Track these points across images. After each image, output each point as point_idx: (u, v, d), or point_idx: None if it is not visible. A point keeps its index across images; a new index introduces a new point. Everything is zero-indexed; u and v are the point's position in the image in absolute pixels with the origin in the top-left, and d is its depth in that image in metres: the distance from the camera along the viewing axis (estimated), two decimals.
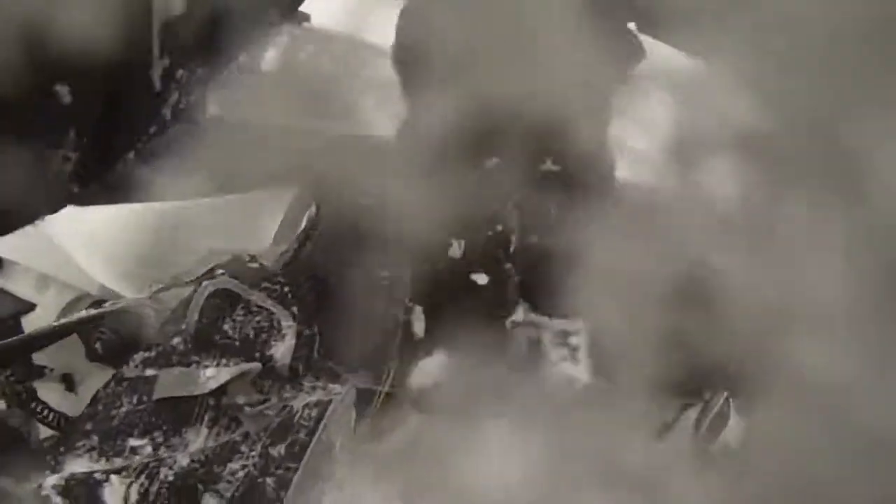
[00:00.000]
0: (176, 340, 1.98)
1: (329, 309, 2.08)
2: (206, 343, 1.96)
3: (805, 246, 1.46)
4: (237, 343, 1.96)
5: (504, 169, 1.84)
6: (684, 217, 1.64)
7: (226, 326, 1.97)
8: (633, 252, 1.61)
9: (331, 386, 1.95)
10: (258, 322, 1.98)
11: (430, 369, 1.98)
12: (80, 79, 1.43)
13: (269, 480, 1.74)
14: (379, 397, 1.98)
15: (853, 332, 1.41)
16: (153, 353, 1.97)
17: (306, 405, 1.86)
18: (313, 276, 2.12)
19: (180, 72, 1.57)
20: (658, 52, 1.87)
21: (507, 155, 1.82)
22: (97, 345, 2.07)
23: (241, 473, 1.75)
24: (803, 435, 1.40)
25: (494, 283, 1.95)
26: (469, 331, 1.82)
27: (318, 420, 1.85)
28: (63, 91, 1.43)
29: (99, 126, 1.53)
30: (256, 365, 1.90)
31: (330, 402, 1.89)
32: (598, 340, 1.77)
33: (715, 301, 1.51)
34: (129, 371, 1.96)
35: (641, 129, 1.82)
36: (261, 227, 2.29)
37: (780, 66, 1.50)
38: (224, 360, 1.94)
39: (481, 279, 1.96)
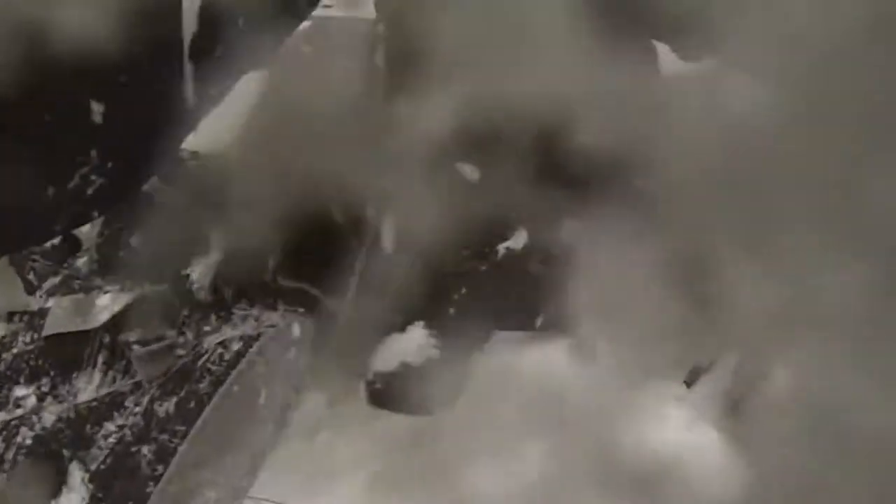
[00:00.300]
0: (81, 261, 1.53)
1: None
2: (108, 261, 1.49)
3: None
4: (146, 262, 1.47)
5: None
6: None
7: (133, 239, 1.48)
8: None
9: (266, 314, 1.43)
10: (175, 231, 1.50)
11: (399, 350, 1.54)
12: (115, 97, 1.40)
13: (145, 450, 1.25)
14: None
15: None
16: (58, 279, 1.53)
17: (221, 343, 1.36)
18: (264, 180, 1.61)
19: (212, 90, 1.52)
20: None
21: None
22: (30, 275, 1.64)
23: (112, 439, 1.28)
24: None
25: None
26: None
27: (233, 364, 1.34)
28: (97, 109, 1.40)
29: (129, 148, 1.46)
30: (157, 288, 1.41)
31: (257, 337, 1.37)
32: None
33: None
34: (33, 302, 1.54)
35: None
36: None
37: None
38: (129, 283, 1.46)
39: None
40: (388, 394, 1.50)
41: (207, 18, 1.46)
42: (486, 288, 1.54)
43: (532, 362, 1.61)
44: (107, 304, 1.44)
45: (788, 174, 1.41)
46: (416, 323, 1.53)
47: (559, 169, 1.58)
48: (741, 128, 1.45)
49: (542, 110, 1.54)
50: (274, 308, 1.49)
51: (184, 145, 1.65)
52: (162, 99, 1.48)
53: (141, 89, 1.44)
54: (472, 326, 1.55)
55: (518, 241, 1.56)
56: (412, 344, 1.51)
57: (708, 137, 1.48)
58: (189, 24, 1.45)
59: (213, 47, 1.48)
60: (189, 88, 1.50)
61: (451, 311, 1.54)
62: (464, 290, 1.53)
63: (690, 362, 1.52)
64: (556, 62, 1.52)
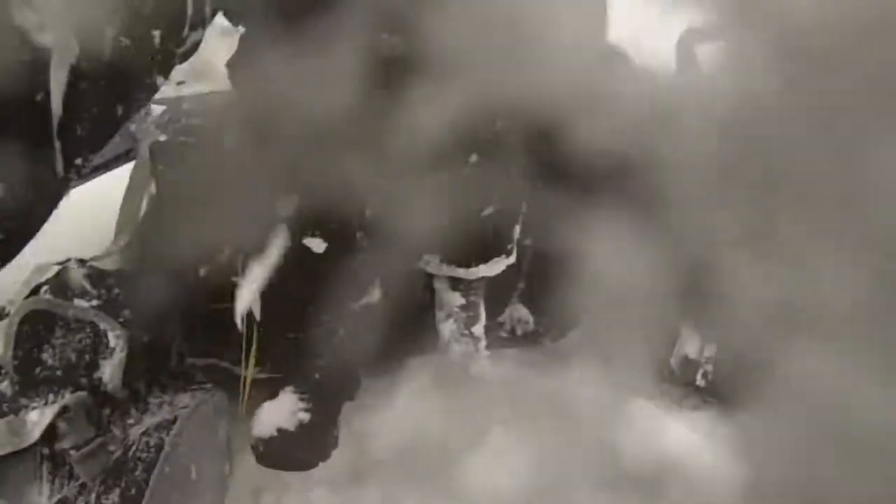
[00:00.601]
0: (3, 384, 1.63)
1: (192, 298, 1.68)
2: (28, 380, 1.60)
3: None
4: (59, 372, 1.59)
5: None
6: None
7: (45, 355, 1.60)
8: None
9: (179, 397, 1.57)
10: (80, 341, 1.63)
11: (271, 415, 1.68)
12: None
13: None
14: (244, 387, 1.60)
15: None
16: None
17: (144, 432, 1.49)
18: (162, 265, 1.72)
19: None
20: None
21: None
22: None
23: None
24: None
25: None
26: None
27: (159, 448, 1.48)
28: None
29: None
30: (77, 396, 1.53)
31: (174, 420, 1.51)
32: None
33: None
34: None
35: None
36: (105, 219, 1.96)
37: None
38: (51, 397, 1.58)
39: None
40: (270, 456, 1.67)
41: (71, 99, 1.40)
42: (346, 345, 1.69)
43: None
44: (36, 419, 1.54)
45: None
46: (286, 388, 1.69)
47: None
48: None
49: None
50: (185, 390, 1.64)
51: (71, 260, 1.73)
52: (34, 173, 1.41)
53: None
54: (337, 384, 1.71)
55: (373, 296, 1.71)
56: (284, 409, 1.67)
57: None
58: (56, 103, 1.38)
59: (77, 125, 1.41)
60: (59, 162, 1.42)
61: (316, 375, 1.69)
62: (324, 354, 1.69)
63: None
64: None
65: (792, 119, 1.46)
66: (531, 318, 1.98)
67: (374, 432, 1.81)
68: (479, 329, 1.86)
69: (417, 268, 1.80)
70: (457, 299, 1.82)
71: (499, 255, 1.78)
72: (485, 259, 1.78)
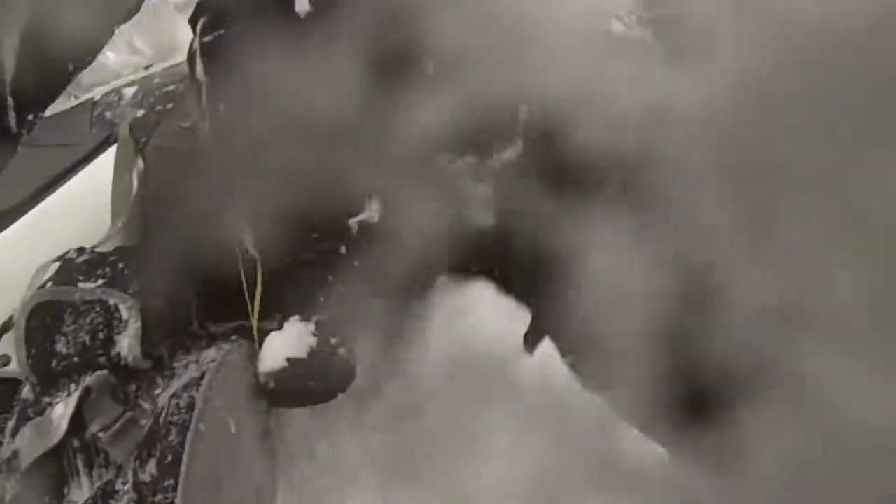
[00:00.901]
0: (25, 391, 1.56)
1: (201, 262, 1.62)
2: (47, 377, 1.52)
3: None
4: (76, 359, 1.51)
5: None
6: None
7: (58, 346, 1.53)
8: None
9: (204, 354, 1.47)
10: (91, 321, 1.55)
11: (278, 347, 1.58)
12: None
13: None
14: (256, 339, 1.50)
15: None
16: (13, 419, 1.56)
17: (173, 395, 1.40)
18: (164, 235, 1.65)
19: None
20: None
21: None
22: None
23: None
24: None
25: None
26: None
27: (190, 408, 1.39)
28: None
29: None
30: (97, 375, 1.45)
31: (202, 377, 1.42)
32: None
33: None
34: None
35: None
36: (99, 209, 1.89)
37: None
38: (73, 387, 1.50)
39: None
40: (282, 391, 1.57)
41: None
42: (350, 268, 1.60)
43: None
44: (62, 412, 1.47)
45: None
46: (292, 318, 1.59)
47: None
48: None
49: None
50: (210, 347, 1.54)
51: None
52: None
53: None
54: (346, 308, 1.61)
55: (372, 213, 1.63)
56: (292, 337, 1.57)
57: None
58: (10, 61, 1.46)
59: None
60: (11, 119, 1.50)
61: (321, 297, 1.60)
62: (329, 278, 1.60)
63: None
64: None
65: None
66: None
67: (420, 361, 1.70)
68: None
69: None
70: (482, 188, 1.72)
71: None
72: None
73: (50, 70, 1.44)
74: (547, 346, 1.69)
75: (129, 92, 2.01)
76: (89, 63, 1.52)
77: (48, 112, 1.78)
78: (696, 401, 1.48)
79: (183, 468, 1.34)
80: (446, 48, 1.52)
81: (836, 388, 1.33)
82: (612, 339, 1.54)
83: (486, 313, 1.74)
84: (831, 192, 1.38)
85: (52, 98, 1.49)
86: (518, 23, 1.56)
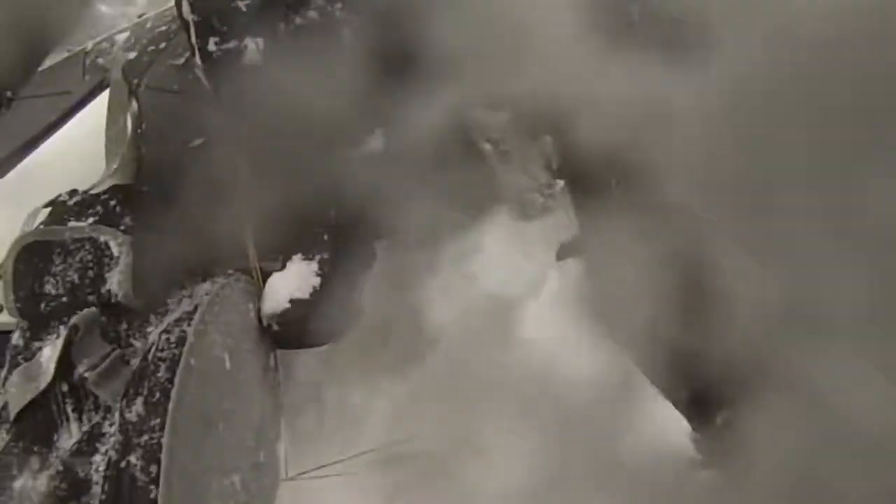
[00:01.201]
0: (15, 337, 1.49)
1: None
2: (36, 320, 1.45)
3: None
4: (65, 298, 1.43)
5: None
6: None
7: (47, 287, 1.45)
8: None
9: (198, 287, 1.39)
10: (80, 259, 1.46)
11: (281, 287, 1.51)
12: None
13: (132, 459, 1.21)
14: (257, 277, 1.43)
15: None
16: (5, 369, 1.49)
17: (164, 330, 1.32)
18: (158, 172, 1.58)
19: None
20: None
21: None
22: None
23: (103, 466, 1.24)
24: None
25: None
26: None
27: (181, 341, 1.30)
28: None
29: None
30: (85, 313, 1.37)
31: (194, 310, 1.34)
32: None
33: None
34: None
35: None
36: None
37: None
38: (62, 329, 1.42)
39: None
40: (286, 332, 1.52)
41: None
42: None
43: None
44: (49, 354, 1.40)
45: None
46: (294, 257, 1.53)
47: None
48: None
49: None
50: (205, 281, 1.46)
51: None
52: None
53: None
54: (348, 242, 1.56)
55: (377, 141, 1.57)
56: (295, 277, 1.51)
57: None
58: None
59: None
60: None
61: (324, 235, 1.55)
62: (332, 213, 1.56)
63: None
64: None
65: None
66: None
67: (429, 302, 1.62)
68: None
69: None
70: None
71: None
72: None
73: (26, 52, 1.45)
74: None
75: (121, 38, 1.94)
76: (69, 34, 1.57)
77: (41, 67, 1.75)
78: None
79: (171, 406, 1.25)
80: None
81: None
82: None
83: (497, 252, 1.69)
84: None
85: (32, 72, 1.51)
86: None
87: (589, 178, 1.58)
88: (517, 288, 1.63)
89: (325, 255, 1.52)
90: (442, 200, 1.62)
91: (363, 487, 1.58)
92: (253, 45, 1.55)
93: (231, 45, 1.56)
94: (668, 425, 1.55)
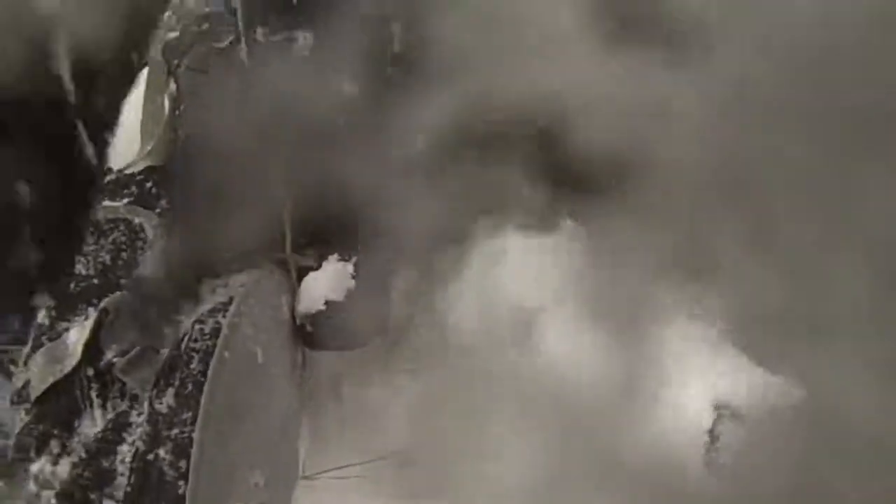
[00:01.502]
0: (40, 316, 1.46)
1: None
2: (64, 300, 1.42)
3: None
4: (95, 280, 1.40)
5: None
6: None
7: (78, 267, 1.41)
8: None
9: (233, 279, 1.36)
10: (113, 241, 1.42)
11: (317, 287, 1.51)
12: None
13: (161, 452, 1.18)
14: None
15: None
16: (28, 347, 1.46)
17: (197, 320, 1.28)
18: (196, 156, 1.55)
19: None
20: None
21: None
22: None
23: (129, 457, 1.21)
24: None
25: None
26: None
27: (215, 333, 1.27)
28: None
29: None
30: (115, 296, 1.34)
31: (230, 301, 1.30)
32: None
33: None
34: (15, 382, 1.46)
35: None
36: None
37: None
38: (91, 311, 1.39)
39: None
40: (321, 333, 1.51)
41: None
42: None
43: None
44: (76, 337, 1.37)
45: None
46: (331, 257, 1.52)
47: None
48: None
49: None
50: (240, 271, 1.43)
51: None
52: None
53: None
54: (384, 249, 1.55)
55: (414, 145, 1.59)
56: (331, 279, 1.51)
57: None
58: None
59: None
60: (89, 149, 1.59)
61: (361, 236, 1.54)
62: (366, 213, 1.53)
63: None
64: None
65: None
66: None
67: (450, 307, 1.60)
68: None
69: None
70: None
71: None
72: None
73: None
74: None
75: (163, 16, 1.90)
76: None
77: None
78: None
79: (204, 399, 1.22)
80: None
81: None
82: None
83: (520, 260, 1.67)
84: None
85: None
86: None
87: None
88: (538, 297, 1.62)
89: (361, 258, 1.50)
90: (459, 206, 1.64)
91: (380, 488, 1.56)
92: (302, 39, 1.53)
93: (280, 36, 1.54)
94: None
